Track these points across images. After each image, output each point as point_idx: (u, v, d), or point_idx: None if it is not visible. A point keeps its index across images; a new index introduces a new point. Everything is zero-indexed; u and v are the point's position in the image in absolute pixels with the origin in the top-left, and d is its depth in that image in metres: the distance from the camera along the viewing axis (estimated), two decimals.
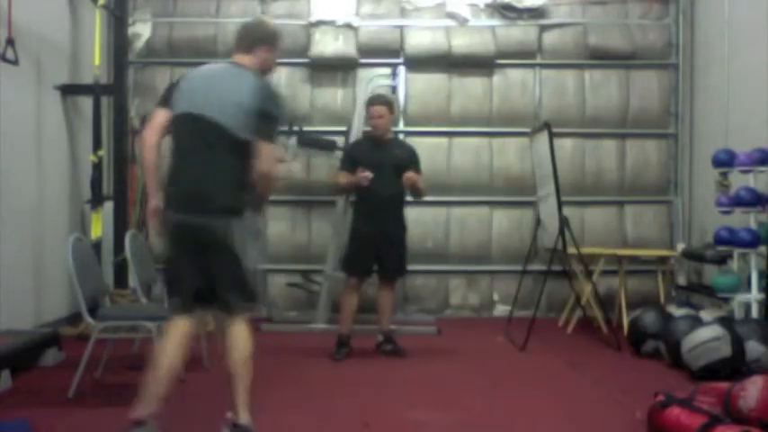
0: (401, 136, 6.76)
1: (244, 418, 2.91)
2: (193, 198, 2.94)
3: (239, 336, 2.96)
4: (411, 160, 5.09)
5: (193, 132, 2.96)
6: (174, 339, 2.97)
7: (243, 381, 2.93)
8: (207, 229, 2.90)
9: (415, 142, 6.76)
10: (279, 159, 3.06)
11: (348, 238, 5.17)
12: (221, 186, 2.93)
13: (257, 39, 3.16)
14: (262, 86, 3.01)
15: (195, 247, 2.94)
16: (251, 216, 2.98)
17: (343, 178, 5.02)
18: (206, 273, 2.94)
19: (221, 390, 4.00)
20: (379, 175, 4.83)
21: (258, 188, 2.97)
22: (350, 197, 5.48)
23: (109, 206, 5.98)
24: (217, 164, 2.93)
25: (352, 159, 5.04)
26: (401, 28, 6.82)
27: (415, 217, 6.74)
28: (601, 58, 6.84)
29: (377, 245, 4.96)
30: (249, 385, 2.95)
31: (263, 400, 3.92)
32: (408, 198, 5.13)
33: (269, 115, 2.96)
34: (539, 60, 6.90)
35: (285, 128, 2.77)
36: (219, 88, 3.00)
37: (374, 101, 5.14)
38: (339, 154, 5.76)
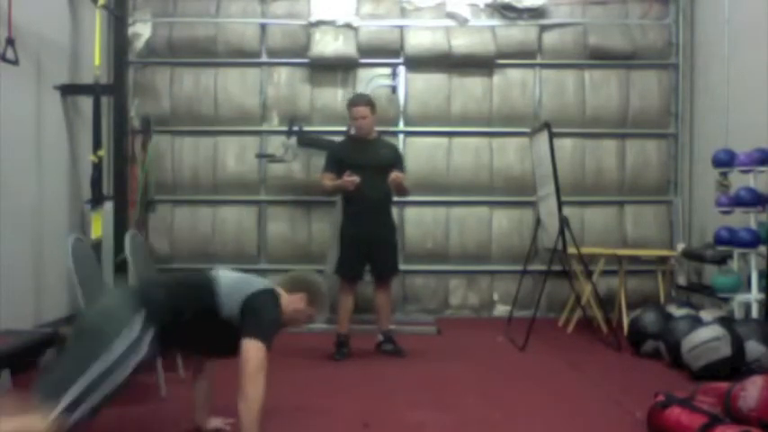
0: (401, 136, 6.78)
1: None
2: None
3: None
4: (396, 159, 5.11)
5: None
6: None
7: None
8: None
9: (414, 142, 6.81)
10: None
11: (339, 241, 5.16)
12: None
13: (296, 285, 3.34)
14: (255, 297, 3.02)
15: None
16: None
17: (329, 181, 5.00)
18: None
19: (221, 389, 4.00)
20: (366, 177, 4.82)
21: None
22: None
23: (109, 206, 5.97)
24: None
25: (338, 161, 5.02)
26: (401, 28, 6.82)
27: (415, 217, 6.77)
28: (601, 58, 6.84)
29: (367, 246, 4.96)
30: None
31: (264, 400, 3.92)
32: (394, 198, 5.12)
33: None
34: (539, 60, 6.89)
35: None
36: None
37: (356, 101, 5.08)
38: None
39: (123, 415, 3.62)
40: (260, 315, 2.96)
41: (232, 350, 2.91)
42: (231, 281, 3.07)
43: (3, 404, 2.59)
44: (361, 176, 4.81)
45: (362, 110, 4.98)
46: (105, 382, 2.59)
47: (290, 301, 3.20)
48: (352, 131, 5.18)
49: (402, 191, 5.05)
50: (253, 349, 2.84)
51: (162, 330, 2.78)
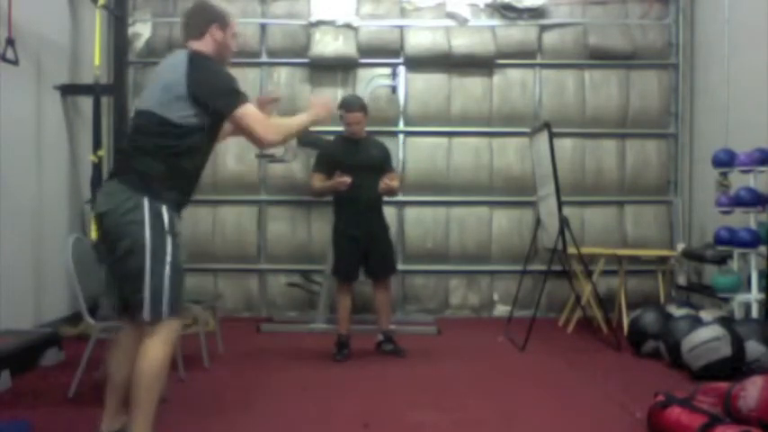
0: (401, 136, 6.78)
1: None
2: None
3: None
4: (386, 159, 5.13)
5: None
6: None
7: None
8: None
9: (414, 142, 6.81)
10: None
11: (333, 243, 5.16)
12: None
13: (206, 20, 2.94)
14: (191, 61, 2.81)
15: None
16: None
17: (320, 181, 4.99)
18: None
19: (221, 389, 4.01)
20: (359, 177, 4.82)
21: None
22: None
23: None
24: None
25: (329, 162, 5.01)
26: (401, 28, 6.82)
27: (415, 217, 6.77)
28: (601, 58, 6.84)
29: (362, 247, 4.95)
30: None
31: (263, 400, 3.93)
32: (385, 197, 5.14)
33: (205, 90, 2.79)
34: (539, 60, 6.90)
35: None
36: (156, 77, 2.90)
37: (351, 107, 5.03)
38: None
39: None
40: (213, 88, 2.80)
41: (212, 139, 2.97)
42: (151, 92, 2.85)
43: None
44: (353, 177, 4.81)
45: (357, 116, 4.97)
46: (168, 265, 2.71)
47: (208, 43, 2.94)
48: (346, 132, 5.18)
49: (393, 193, 5.10)
50: (247, 116, 2.84)
51: (162, 184, 2.78)
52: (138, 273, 2.69)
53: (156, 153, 2.79)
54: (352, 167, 4.85)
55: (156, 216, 2.74)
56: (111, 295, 2.98)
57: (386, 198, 5.14)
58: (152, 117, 2.79)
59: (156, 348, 2.71)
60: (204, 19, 2.95)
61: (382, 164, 5.04)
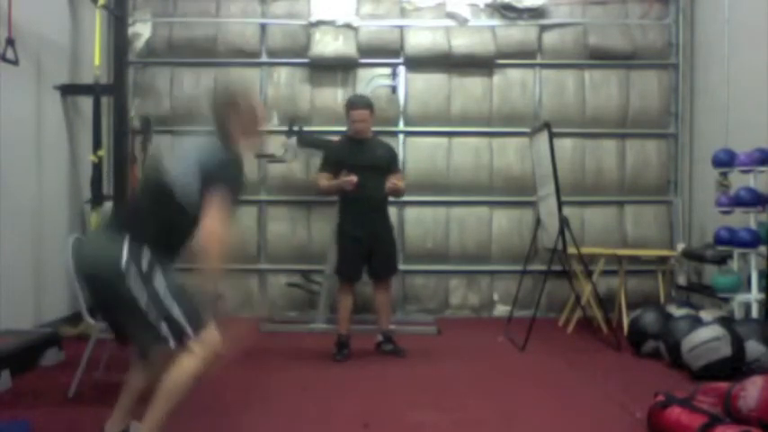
0: (401, 136, 6.78)
1: None
2: None
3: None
4: (391, 159, 5.13)
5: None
6: None
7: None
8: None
9: (414, 142, 6.81)
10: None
11: (336, 242, 5.16)
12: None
13: (221, 108, 3.16)
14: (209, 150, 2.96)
15: None
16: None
17: (326, 181, 4.99)
18: None
19: (221, 389, 4.00)
20: (364, 177, 4.83)
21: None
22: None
23: (109, 206, 5.97)
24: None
25: (335, 161, 5.01)
26: (401, 28, 6.82)
27: (415, 217, 6.77)
28: (601, 58, 6.84)
29: (366, 246, 4.95)
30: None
31: (263, 400, 3.93)
32: (390, 198, 5.14)
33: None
34: (539, 60, 6.89)
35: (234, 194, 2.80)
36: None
37: (356, 104, 5.04)
38: None
39: None
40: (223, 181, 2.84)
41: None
42: (177, 174, 2.86)
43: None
44: (359, 176, 4.81)
45: (363, 113, 4.97)
46: (167, 298, 2.70)
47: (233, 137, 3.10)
48: (351, 132, 5.18)
49: (399, 194, 5.10)
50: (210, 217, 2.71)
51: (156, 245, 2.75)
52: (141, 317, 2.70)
53: None
54: (358, 167, 4.85)
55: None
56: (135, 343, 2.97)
57: (391, 198, 5.14)
58: None
59: (191, 362, 2.72)
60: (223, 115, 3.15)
61: (388, 164, 5.03)
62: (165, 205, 2.79)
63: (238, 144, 3.15)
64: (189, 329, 2.71)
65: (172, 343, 2.70)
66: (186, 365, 2.71)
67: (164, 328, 2.69)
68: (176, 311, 2.71)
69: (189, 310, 2.73)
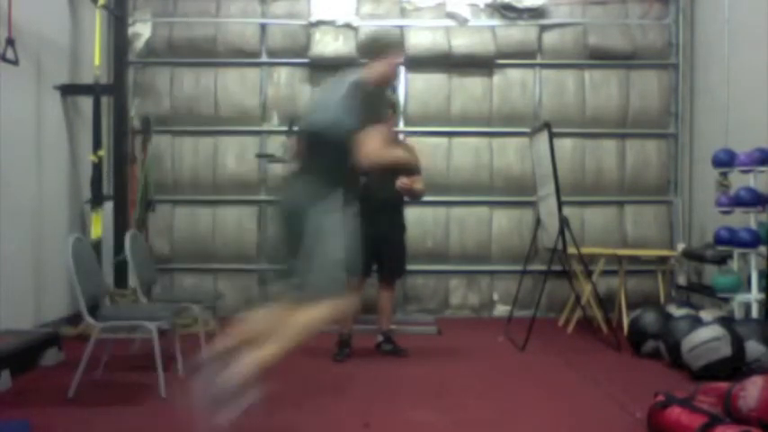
0: (401, 136, 6.77)
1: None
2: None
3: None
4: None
5: None
6: None
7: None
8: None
9: (414, 142, 6.79)
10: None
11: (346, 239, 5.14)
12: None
13: (378, 49, 3.61)
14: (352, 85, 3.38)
15: None
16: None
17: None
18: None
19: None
20: (376, 176, 4.80)
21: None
22: None
23: (109, 206, 5.98)
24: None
25: None
26: (401, 28, 6.82)
27: (415, 217, 6.75)
28: (601, 58, 6.84)
29: (376, 246, 4.94)
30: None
31: (263, 400, 3.92)
32: (406, 199, 5.12)
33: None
34: (539, 60, 6.90)
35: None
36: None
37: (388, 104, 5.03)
38: None
39: (123, 415, 3.63)
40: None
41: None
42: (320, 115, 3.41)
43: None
44: (373, 176, 4.77)
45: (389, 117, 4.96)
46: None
47: (374, 71, 3.53)
48: None
49: (414, 195, 5.05)
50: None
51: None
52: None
53: None
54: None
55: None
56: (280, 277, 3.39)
57: (407, 199, 5.11)
58: None
59: (321, 310, 3.10)
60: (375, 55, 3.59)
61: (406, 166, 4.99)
62: (332, 151, 3.25)
63: (374, 77, 3.54)
64: (333, 287, 3.15)
65: (319, 292, 3.09)
66: (317, 311, 3.09)
67: (321, 278, 3.13)
68: (336, 270, 3.16)
69: (337, 276, 3.18)
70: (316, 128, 3.39)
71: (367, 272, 5.04)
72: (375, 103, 3.52)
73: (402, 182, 4.86)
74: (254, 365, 2.91)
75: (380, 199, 4.89)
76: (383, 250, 4.97)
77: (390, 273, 5.08)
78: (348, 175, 3.38)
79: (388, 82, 3.82)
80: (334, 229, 3.22)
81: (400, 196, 5.02)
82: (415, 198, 5.14)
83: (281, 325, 3.04)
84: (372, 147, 3.24)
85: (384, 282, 5.09)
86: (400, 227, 5.11)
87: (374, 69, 3.54)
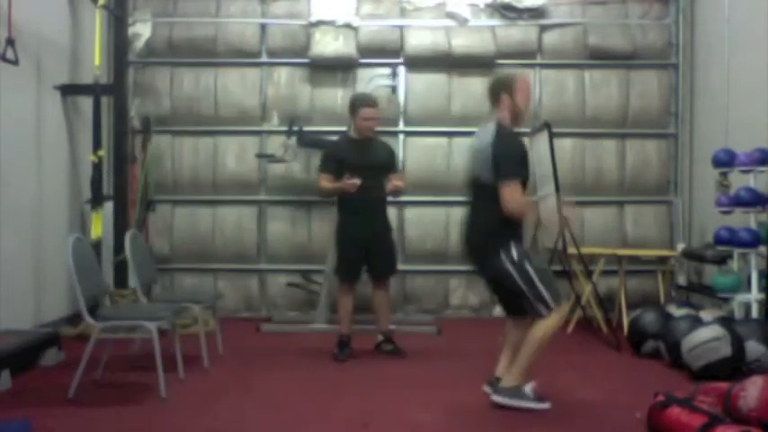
0: (401, 136, 6.78)
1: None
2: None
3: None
4: (392, 160, 5.15)
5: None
6: None
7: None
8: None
9: (414, 142, 6.81)
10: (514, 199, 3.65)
11: (336, 242, 5.15)
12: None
13: (494, 91, 3.97)
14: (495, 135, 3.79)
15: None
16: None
17: (328, 182, 4.97)
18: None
19: (221, 389, 4.00)
20: (365, 177, 4.82)
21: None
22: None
23: (109, 206, 5.98)
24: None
25: (338, 161, 4.98)
26: (401, 28, 6.82)
27: (415, 217, 6.77)
28: (601, 58, 6.84)
29: (365, 246, 4.95)
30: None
31: (263, 400, 3.93)
32: (390, 198, 5.16)
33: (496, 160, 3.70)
34: (539, 60, 6.89)
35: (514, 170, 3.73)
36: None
37: (368, 102, 5.03)
38: None
39: (123, 415, 3.63)
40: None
41: None
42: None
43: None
44: (360, 177, 4.80)
45: (374, 111, 4.98)
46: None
47: (502, 110, 3.92)
48: (352, 132, 5.15)
49: (399, 194, 5.12)
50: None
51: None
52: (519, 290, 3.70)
53: None
54: (359, 167, 4.84)
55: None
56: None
57: (390, 198, 5.14)
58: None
59: (551, 320, 3.71)
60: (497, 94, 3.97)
61: (388, 164, 5.05)
62: (490, 198, 3.67)
63: (510, 121, 3.91)
64: (551, 302, 3.67)
65: (543, 311, 3.67)
66: (546, 326, 3.69)
67: (536, 301, 3.67)
68: (543, 290, 3.66)
69: (549, 287, 3.69)
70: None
71: (356, 275, 5.04)
72: (516, 152, 3.82)
73: (394, 184, 4.92)
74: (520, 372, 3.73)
75: (369, 199, 4.90)
76: (376, 250, 4.98)
77: (383, 272, 5.08)
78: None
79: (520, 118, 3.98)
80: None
81: (385, 195, 5.03)
82: (399, 196, 5.28)
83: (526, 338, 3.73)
84: (513, 206, 3.63)
85: (377, 282, 5.09)
86: (388, 225, 5.15)
87: (504, 107, 3.88)
